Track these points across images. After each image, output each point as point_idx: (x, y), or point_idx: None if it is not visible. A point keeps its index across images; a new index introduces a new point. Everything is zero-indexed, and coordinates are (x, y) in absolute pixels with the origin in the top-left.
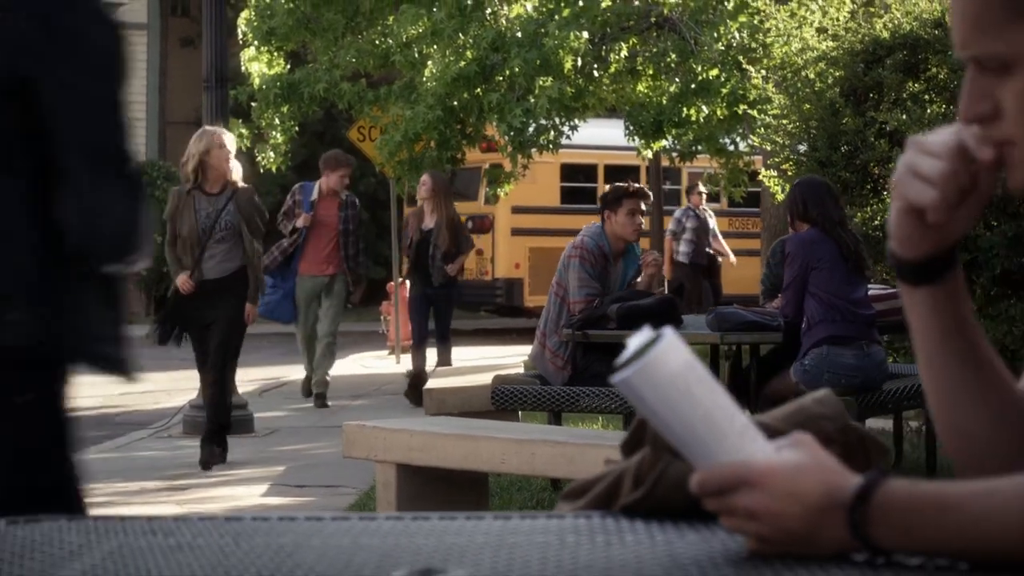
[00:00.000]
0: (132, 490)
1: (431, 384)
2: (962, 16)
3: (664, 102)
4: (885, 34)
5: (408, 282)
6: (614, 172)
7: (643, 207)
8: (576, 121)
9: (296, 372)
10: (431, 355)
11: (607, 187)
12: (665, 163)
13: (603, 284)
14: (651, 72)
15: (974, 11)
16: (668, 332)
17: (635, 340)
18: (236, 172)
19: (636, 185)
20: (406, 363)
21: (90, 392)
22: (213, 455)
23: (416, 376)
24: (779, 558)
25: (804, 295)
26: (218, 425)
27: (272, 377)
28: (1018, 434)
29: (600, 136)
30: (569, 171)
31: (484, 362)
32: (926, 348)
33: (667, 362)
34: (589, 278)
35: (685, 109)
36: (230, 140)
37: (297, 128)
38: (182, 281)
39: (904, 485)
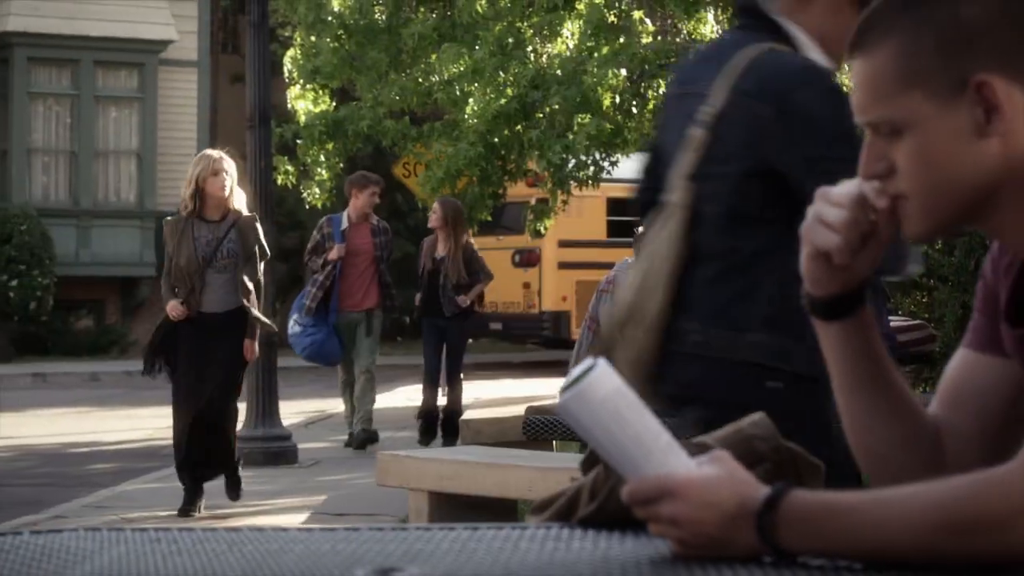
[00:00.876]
0: (176, 518)
1: (468, 415)
2: (859, 86)
3: None
4: None
5: (421, 313)
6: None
7: None
8: (617, 156)
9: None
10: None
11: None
12: None
13: None
14: None
15: (869, 82)
16: (601, 362)
17: (576, 370)
18: (239, 200)
19: None
20: None
21: (139, 425)
22: (236, 491)
23: (427, 414)
24: (698, 560)
25: None
26: (231, 468)
27: (318, 410)
28: (926, 455)
29: None
30: (615, 205)
31: (524, 393)
32: (839, 377)
33: (599, 388)
34: None
35: None
36: (230, 166)
37: (343, 165)
38: (172, 307)
39: (808, 495)
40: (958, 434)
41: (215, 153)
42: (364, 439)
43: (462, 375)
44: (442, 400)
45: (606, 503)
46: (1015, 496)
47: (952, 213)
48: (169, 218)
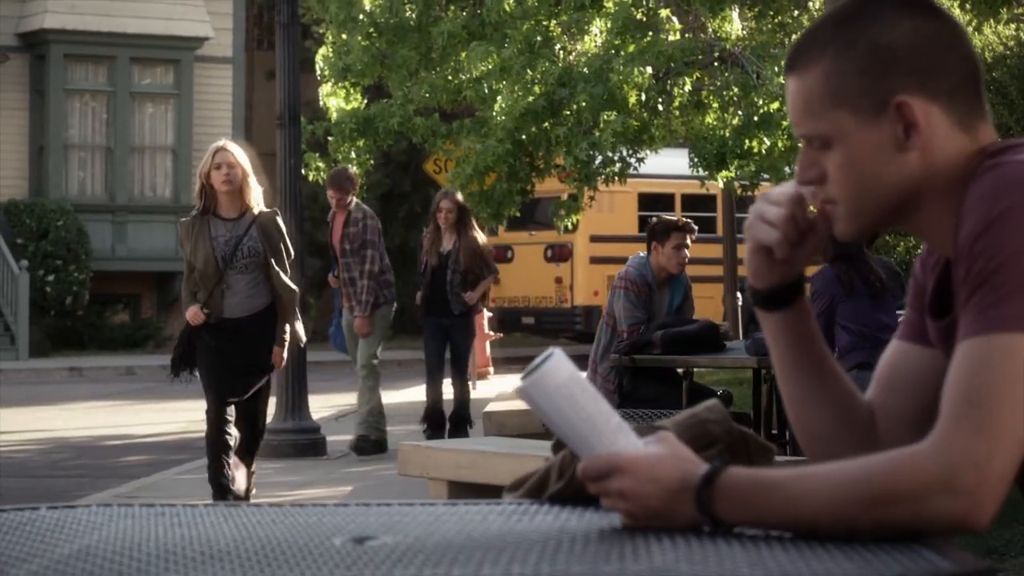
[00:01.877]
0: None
1: (492, 407)
2: (793, 103)
3: (727, 134)
4: None
5: (424, 311)
6: (691, 201)
7: (689, 241)
8: (645, 153)
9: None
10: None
11: (656, 218)
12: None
13: (647, 312)
14: (716, 105)
15: (802, 99)
16: (557, 352)
17: (538, 359)
18: (255, 194)
19: (684, 219)
20: (480, 389)
21: (173, 418)
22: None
23: (432, 409)
24: (644, 531)
25: (833, 327)
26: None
27: (349, 403)
28: (860, 437)
29: (676, 166)
30: (646, 200)
31: None
32: (780, 363)
33: (555, 375)
34: (633, 308)
35: (747, 141)
36: (236, 157)
37: (372, 161)
38: (192, 313)
39: (744, 471)
40: (891, 417)
41: (216, 144)
42: (361, 446)
43: (493, 368)
44: (448, 396)
45: (572, 481)
46: (927, 472)
47: (877, 216)
48: (184, 219)
